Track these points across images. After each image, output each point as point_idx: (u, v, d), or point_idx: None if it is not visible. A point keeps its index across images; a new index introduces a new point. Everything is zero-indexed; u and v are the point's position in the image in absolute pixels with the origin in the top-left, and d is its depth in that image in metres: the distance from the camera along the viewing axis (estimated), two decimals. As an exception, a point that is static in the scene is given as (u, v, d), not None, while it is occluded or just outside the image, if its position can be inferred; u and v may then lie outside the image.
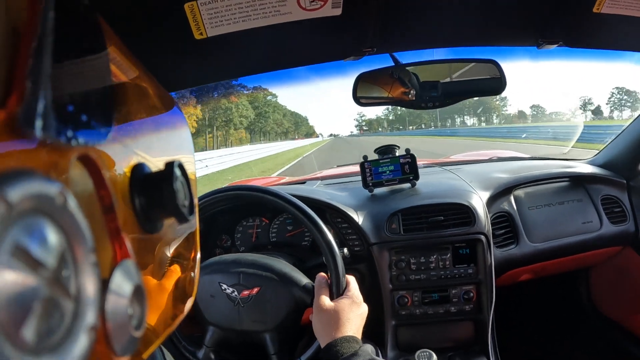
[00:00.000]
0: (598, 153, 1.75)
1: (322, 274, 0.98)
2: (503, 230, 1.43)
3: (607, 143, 1.73)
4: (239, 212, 1.49)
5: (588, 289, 1.90)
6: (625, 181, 1.60)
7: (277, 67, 0.92)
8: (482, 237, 1.31)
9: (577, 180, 1.59)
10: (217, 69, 0.91)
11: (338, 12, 0.73)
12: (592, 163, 1.72)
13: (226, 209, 1.40)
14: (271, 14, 0.70)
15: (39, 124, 0.20)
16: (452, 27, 0.94)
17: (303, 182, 1.80)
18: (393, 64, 1.07)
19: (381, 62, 1.07)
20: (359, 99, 1.13)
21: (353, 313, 0.88)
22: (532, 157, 2.04)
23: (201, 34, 0.71)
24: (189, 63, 0.84)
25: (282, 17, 0.72)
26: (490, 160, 2.02)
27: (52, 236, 0.20)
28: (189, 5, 0.65)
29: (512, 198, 1.49)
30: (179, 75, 0.88)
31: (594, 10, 0.82)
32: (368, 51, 0.89)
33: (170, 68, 0.83)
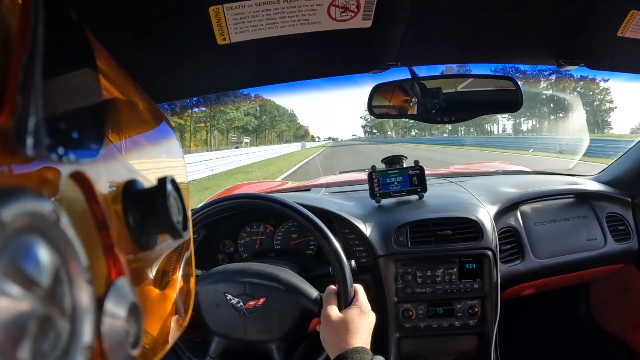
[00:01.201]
0: (603, 170, 1.76)
1: (332, 286, 0.97)
2: (509, 246, 1.42)
3: (613, 160, 1.73)
4: (243, 218, 1.47)
5: (588, 303, 1.91)
6: (630, 199, 1.61)
7: (301, 77, 0.91)
8: (489, 253, 1.30)
9: (583, 197, 1.59)
10: (238, 77, 0.89)
11: (368, 24, 0.72)
12: (597, 180, 1.73)
13: (230, 215, 1.39)
14: (299, 22, 0.69)
15: (30, 140, 0.20)
16: (474, 43, 0.93)
17: (308, 189, 1.78)
18: (409, 77, 1.06)
19: (397, 74, 1.06)
20: (374, 110, 1.12)
21: (362, 323, 0.88)
22: (537, 171, 2.04)
23: (224, 39, 0.69)
24: (209, 69, 0.82)
25: (310, 27, 0.70)
26: (496, 173, 2.02)
27: (46, 254, 0.20)
28: (214, 8, 0.63)
29: (518, 213, 1.49)
30: (198, 81, 0.86)
31: (619, 34, 0.81)
32: (392, 64, 0.88)
33: (189, 73, 0.81)
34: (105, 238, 0.27)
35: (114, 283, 0.26)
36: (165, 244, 0.37)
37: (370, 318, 0.91)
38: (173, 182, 0.34)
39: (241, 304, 1.01)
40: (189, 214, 0.39)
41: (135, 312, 0.27)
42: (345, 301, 0.94)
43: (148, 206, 0.32)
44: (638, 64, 0.96)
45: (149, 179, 0.35)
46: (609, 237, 1.53)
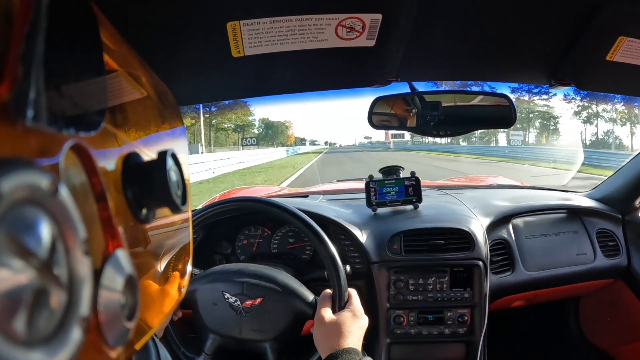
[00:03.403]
0: (596, 187, 1.79)
1: (328, 290, 0.99)
2: (500, 257, 1.46)
3: (605, 179, 1.77)
4: (241, 221, 1.50)
5: (577, 317, 1.93)
6: (620, 216, 1.64)
7: (307, 89, 0.95)
8: (480, 263, 1.33)
9: (574, 213, 1.63)
10: (249, 86, 0.93)
11: (372, 43, 0.76)
12: (589, 196, 1.76)
13: (228, 217, 1.42)
14: (308, 39, 0.73)
15: (30, 111, 0.20)
16: (470, 62, 0.97)
17: (306, 196, 1.81)
18: (409, 91, 1.10)
19: (397, 88, 1.10)
20: (374, 121, 1.16)
21: (354, 326, 0.90)
22: (531, 186, 2.08)
23: (239, 52, 0.72)
24: (223, 78, 0.86)
25: (318, 44, 0.74)
26: (490, 186, 2.06)
27: (44, 225, 0.20)
28: (231, 24, 0.66)
29: (510, 226, 1.52)
30: (211, 89, 0.90)
31: (608, 57, 0.85)
32: (393, 80, 0.92)
33: (204, 81, 0.85)
34: (103, 210, 0.27)
35: (112, 255, 0.26)
36: (165, 220, 0.37)
37: (363, 321, 0.94)
38: (174, 156, 0.34)
39: (238, 303, 1.03)
40: (189, 188, 0.39)
41: (132, 284, 0.27)
42: (339, 304, 0.96)
43: (147, 179, 0.32)
44: (626, 86, 1.00)
45: (149, 153, 0.35)
46: (598, 253, 1.56)
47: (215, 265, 1.16)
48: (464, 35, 0.85)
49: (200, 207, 1.16)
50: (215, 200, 1.20)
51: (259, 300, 1.03)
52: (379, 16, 0.71)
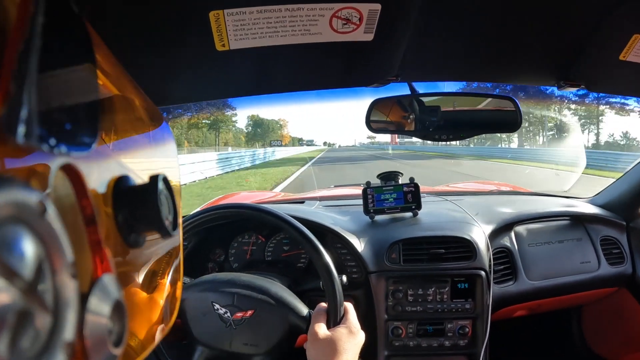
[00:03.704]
0: (599, 193, 1.76)
1: (323, 303, 0.95)
2: (502, 267, 1.41)
3: (609, 184, 1.73)
4: (235, 227, 1.45)
5: (580, 326, 1.90)
6: (625, 223, 1.61)
7: (300, 88, 0.90)
8: (482, 273, 1.29)
9: (578, 220, 1.59)
10: (236, 84, 0.88)
11: (370, 37, 0.71)
12: (593, 203, 1.73)
13: (222, 224, 1.37)
14: (300, 32, 0.68)
15: (21, 129, 0.20)
16: (475, 62, 0.93)
17: (302, 202, 1.77)
18: (409, 92, 1.05)
19: (396, 89, 1.05)
20: (371, 124, 1.11)
21: (350, 343, 0.86)
22: (533, 192, 2.04)
23: (223, 45, 0.67)
24: (208, 75, 0.81)
25: (311, 37, 0.69)
26: (492, 193, 2.02)
27: (30, 246, 0.19)
28: (214, 13, 0.61)
29: (512, 234, 1.48)
30: (195, 87, 0.85)
31: (621, 57, 0.81)
32: (392, 79, 0.87)
33: (187, 79, 0.80)
34: (92, 233, 0.26)
35: (99, 279, 0.26)
36: (154, 244, 0.36)
37: (359, 338, 0.89)
38: (165, 180, 0.34)
39: (228, 314, 0.99)
40: (180, 213, 0.39)
41: (120, 310, 0.27)
42: (335, 320, 0.92)
43: (138, 203, 0.32)
44: (638, 88, 0.96)
45: (141, 177, 0.35)
46: (602, 261, 1.52)
47: (208, 273, 1.11)
48: (469, 33, 0.81)
49: (192, 213, 1.10)
50: (206, 207, 1.15)
51: (250, 312, 0.98)
52: (378, 6, 0.65)
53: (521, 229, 1.52)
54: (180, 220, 0.39)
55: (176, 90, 0.86)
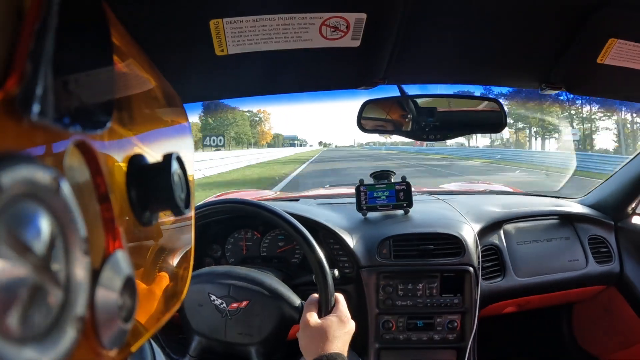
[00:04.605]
0: (588, 193, 1.79)
1: (315, 294, 0.98)
2: (491, 263, 1.45)
3: (597, 184, 1.76)
4: (231, 223, 1.49)
5: (570, 324, 1.92)
6: (613, 222, 1.64)
7: (291, 90, 0.95)
8: (471, 269, 1.33)
9: (566, 219, 1.62)
10: (233, 86, 0.92)
11: (357, 43, 0.75)
12: (582, 203, 1.76)
13: (219, 219, 1.41)
14: (292, 39, 0.72)
15: (36, 107, 0.20)
16: (459, 65, 0.96)
17: (297, 200, 1.81)
18: (399, 94, 1.09)
19: (387, 91, 1.09)
20: (363, 125, 1.15)
21: (340, 331, 0.89)
22: (524, 192, 2.08)
23: (222, 50, 0.72)
24: (207, 77, 0.85)
25: (303, 43, 0.74)
26: (483, 192, 2.05)
27: (43, 222, 0.20)
28: (214, 22, 0.66)
29: (502, 232, 1.51)
30: (194, 88, 0.89)
31: (598, 60, 0.84)
32: (380, 82, 0.92)
33: (186, 80, 0.84)
34: (106, 211, 0.27)
35: (111, 256, 0.26)
36: (167, 223, 0.37)
37: (349, 327, 0.92)
38: (179, 159, 0.34)
39: (224, 305, 1.02)
40: (193, 192, 0.39)
41: (130, 286, 0.27)
42: (326, 309, 0.95)
43: (152, 182, 0.31)
44: (617, 90, 0.99)
45: (154, 155, 0.34)
46: (590, 259, 1.55)
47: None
48: (453, 38, 0.85)
49: None
50: (202, 203, 1.19)
51: (245, 303, 1.02)
52: (364, 16, 0.70)
53: (510, 227, 1.55)
54: (193, 200, 0.39)
55: (177, 90, 0.90)
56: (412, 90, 1.10)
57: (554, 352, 1.95)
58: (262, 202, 1.11)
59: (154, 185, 0.32)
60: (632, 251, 1.60)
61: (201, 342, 1.06)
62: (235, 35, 0.70)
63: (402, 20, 0.73)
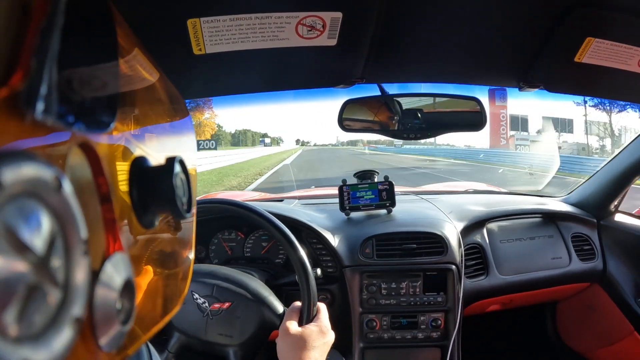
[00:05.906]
0: (572, 191, 1.80)
1: (298, 302, 0.98)
2: (474, 262, 1.45)
3: (580, 183, 1.78)
4: (215, 224, 1.48)
5: (555, 321, 1.94)
6: (596, 220, 1.66)
7: (270, 88, 0.95)
8: (453, 267, 1.33)
9: (549, 217, 1.64)
10: (211, 85, 0.92)
11: (333, 42, 0.75)
12: (565, 201, 1.77)
13: (202, 220, 1.40)
14: (269, 38, 0.73)
15: (40, 105, 0.20)
16: (438, 64, 0.97)
17: (281, 200, 1.81)
18: (380, 94, 1.10)
19: (368, 90, 1.09)
20: (344, 124, 1.15)
21: (319, 341, 0.89)
22: (507, 191, 2.09)
23: (200, 49, 0.72)
24: (185, 76, 0.85)
25: (280, 42, 0.74)
26: (467, 192, 2.06)
27: (44, 221, 0.20)
28: (191, 21, 0.66)
29: (484, 231, 1.52)
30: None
31: (576, 59, 0.85)
32: (358, 81, 0.92)
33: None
34: (107, 212, 0.26)
35: (111, 257, 0.26)
36: (168, 225, 0.37)
37: (328, 337, 0.91)
38: (181, 162, 0.34)
39: (206, 304, 1.02)
40: (195, 196, 0.39)
41: (129, 288, 0.27)
42: (307, 318, 0.95)
43: (154, 184, 0.31)
44: (594, 88, 1.01)
45: (157, 158, 0.34)
46: (573, 256, 1.57)
47: None
48: (430, 37, 0.85)
49: None
50: None
51: (227, 304, 1.01)
52: (339, 14, 0.70)
53: (493, 226, 1.56)
54: (194, 203, 0.39)
55: None
56: (392, 89, 1.11)
57: (539, 350, 1.97)
58: (244, 202, 1.10)
59: (156, 188, 0.32)
60: (615, 248, 1.62)
61: (180, 339, 1.05)
62: (213, 35, 0.70)
63: (379, 19, 0.74)
